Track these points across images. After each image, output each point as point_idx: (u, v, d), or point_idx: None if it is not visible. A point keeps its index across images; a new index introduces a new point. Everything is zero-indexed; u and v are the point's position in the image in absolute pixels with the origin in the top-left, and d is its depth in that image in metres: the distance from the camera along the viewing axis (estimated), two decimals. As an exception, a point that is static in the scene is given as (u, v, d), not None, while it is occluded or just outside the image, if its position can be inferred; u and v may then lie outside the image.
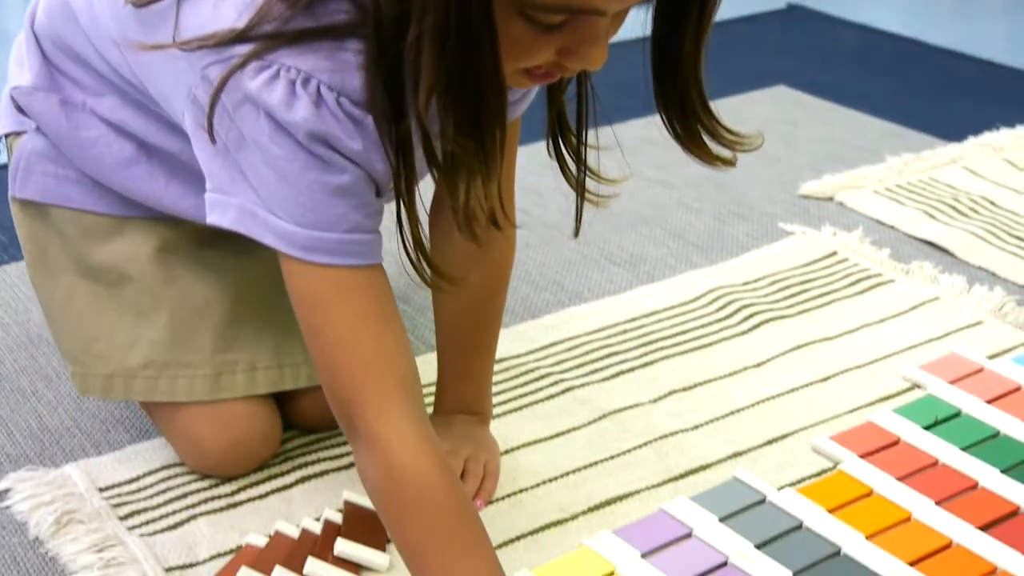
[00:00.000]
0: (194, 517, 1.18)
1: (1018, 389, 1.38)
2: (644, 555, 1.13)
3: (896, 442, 1.30)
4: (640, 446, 1.30)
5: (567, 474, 1.25)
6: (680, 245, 1.74)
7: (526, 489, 1.23)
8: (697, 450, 1.29)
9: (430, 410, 1.28)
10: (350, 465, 1.24)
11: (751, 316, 1.54)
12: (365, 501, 1.15)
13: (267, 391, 1.21)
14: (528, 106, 1.15)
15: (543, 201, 1.83)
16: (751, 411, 1.36)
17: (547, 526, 1.18)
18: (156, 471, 1.24)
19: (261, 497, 1.21)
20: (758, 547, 1.14)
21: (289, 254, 0.96)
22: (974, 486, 1.23)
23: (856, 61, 2.57)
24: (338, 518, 1.17)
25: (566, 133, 1.07)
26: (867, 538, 1.16)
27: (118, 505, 1.19)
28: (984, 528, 1.17)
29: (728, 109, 1.05)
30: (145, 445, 1.27)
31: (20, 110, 1.18)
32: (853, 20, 2.80)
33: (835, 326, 1.53)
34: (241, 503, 1.20)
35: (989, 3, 3.04)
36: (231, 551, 1.14)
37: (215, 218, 0.99)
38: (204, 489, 1.21)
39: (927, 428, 1.31)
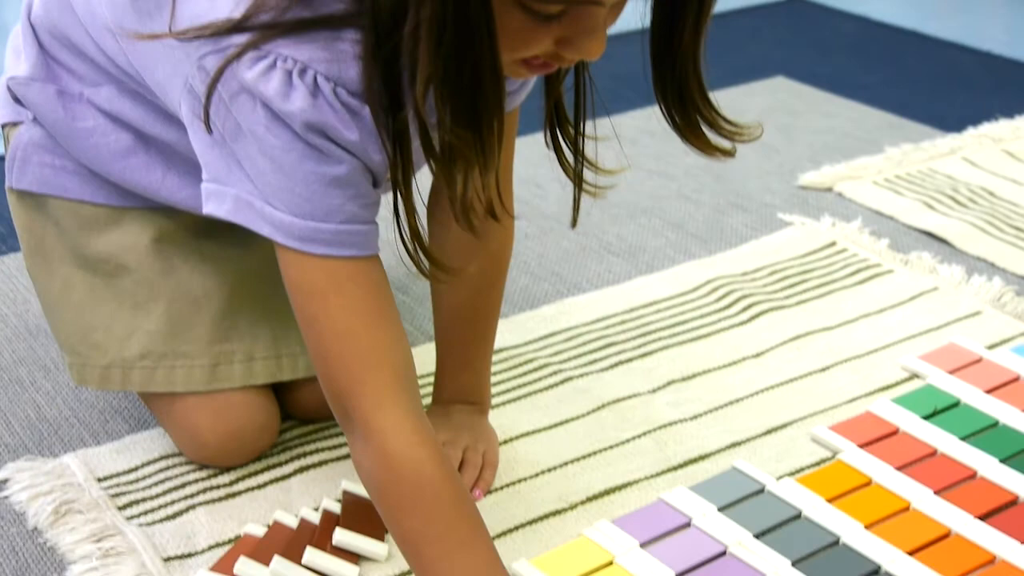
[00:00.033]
0: (193, 507, 1.18)
1: (1017, 379, 1.38)
2: (643, 545, 1.13)
3: (895, 432, 1.30)
4: (639, 436, 1.30)
5: (566, 464, 1.25)
6: (679, 236, 1.74)
7: (525, 479, 1.23)
8: (696, 440, 1.29)
9: (429, 400, 1.29)
10: (349, 455, 1.24)
11: (750, 306, 1.54)
12: (364, 491, 1.15)
13: (265, 381, 1.21)
14: (526, 96, 1.15)
15: (542, 192, 1.83)
16: (750, 401, 1.36)
17: (546, 516, 1.18)
18: (154, 461, 1.24)
19: (260, 487, 1.21)
20: (757, 536, 1.14)
21: (285, 244, 0.96)
22: (973, 476, 1.23)
23: (855, 52, 2.57)
24: (337, 508, 1.17)
25: (564, 124, 1.07)
26: (866, 527, 1.16)
27: (116, 495, 1.19)
28: (983, 517, 1.17)
29: (727, 100, 1.05)
30: (143, 435, 1.27)
31: (17, 100, 1.18)
32: (852, 11, 2.80)
33: (834, 316, 1.53)
34: (239, 493, 1.20)
35: (989, -6, 3.04)
36: (230, 541, 1.14)
37: (211, 208, 0.99)
38: (203, 479, 1.21)
39: (926, 418, 1.31)
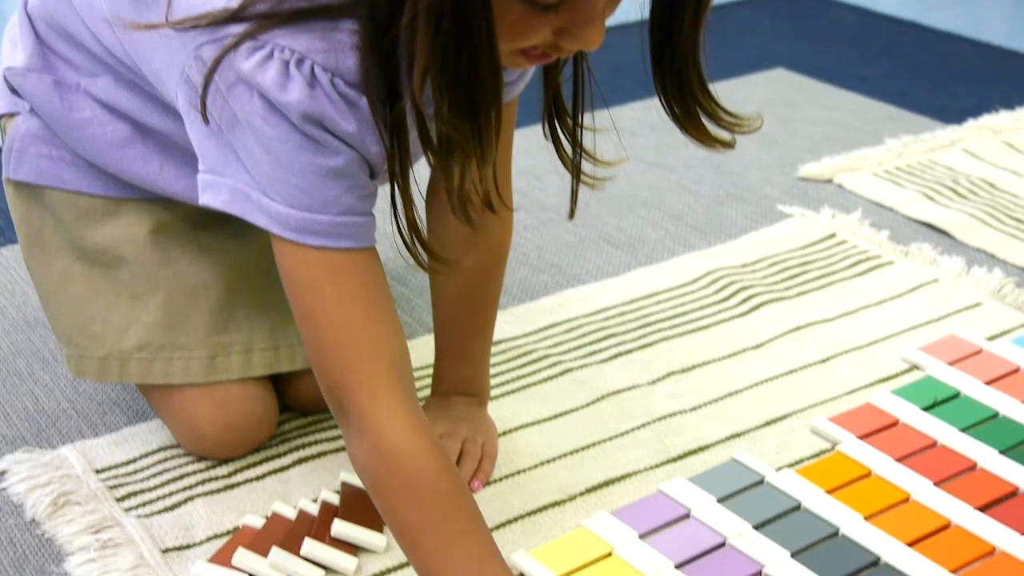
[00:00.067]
0: (191, 498, 1.18)
1: (1017, 370, 1.38)
2: (642, 536, 1.13)
3: (895, 423, 1.29)
4: (638, 427, 1.30)
5: (565, 455, 1.25)
6: (679, 227, 1.74)
7: (524, 470, 1.23)
8: (695, 431, 1.29)
9: (427, 392, 1.28)
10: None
11: (750, 298, 1.54)
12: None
13: (263, 373, 1.21)
14: (525, 87, 1.14)
15: (541, 183, 1.82)
16: (749, 392, 1.36)
17: (545, 507, 1.18)
18: (153, 453, 1.24)
19: (258, 479, 1.21)
20: (756, 528, 1.14)
21: (282, 236, 0.95)
22: (973, 467, 1.23)
23: (855, 44, 2.56)
24: (335, 499, 1.16)
25: (562, 114, 1.07)
26: (865, 519, 1.16)
27: (115, 487, 1.19)
28: (983, 509, 1.17)
29: (727, 92, 1.05)
30: (142, 427, 1.27)
31: (13, 91, 1.18)
32: (852, 2, 2.80)
33: (834, 308, 1.53)
34: (238, 484, 1.20)
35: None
36: (228, 532, 1.14)
37: (208, 199, 0.98)
38: (201, 471, 1.21)
39: (926, 409, 1.31)
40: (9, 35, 1.19)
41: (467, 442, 1.22)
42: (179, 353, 1.18)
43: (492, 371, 1.31)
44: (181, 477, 1.20)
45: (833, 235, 1.70)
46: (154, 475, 1.21)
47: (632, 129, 1.99)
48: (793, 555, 1.11)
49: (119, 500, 1.17)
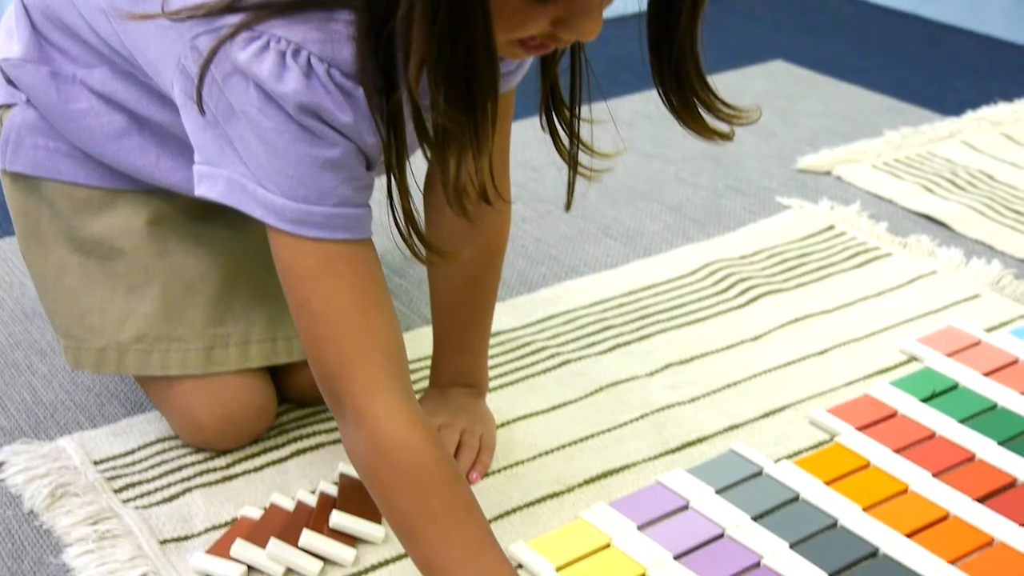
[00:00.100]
0: (189, 490, 1.18)
1: (1015, 362, 1.38)
2: (640, 527, 1.13)
3: (893, 414, 1.29)
4: (637, 419, 1.30)
5: (563, 447, 1.25)
6: (677, 219, 1.73)
7: (522, 462, 1.23)
8: (694, 423, 1.29)
9: (425, 384, 1.28)
10: (345, 439, 1.24)
11: (748, 290, 1.53)
12: (360, 474, 1.15)
13: (261, 364, 1.20)
14: (522, 78, 1.14)
15: (539, 175, 1.82)
16: (748, 384, 1.36)
17: (543, 498, 1.18)
18: (151, 444, 1.23)
19: (256, 470, 1.20)
20: (755, 519, 1.14)
21: (277, 227, 0.95)
22: (971, 458, 1.23)
23: (854, 35, 2.56)
24: (333, 490, 1.16)
25: (559, 106, 1.07)
26: (864, 510, 1.16)
27: (113, 478, 1.19)
28: (981, 500, 1.17)
29: (725, 84, 1.05)
30: (140, 418, 1.27)
31: (10, 82, 1.18)
32: (852, -6, 2.80)
33: (832, 299, 1.53)
34: (236, 476, 1.20)
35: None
36: (226, 524, 1.14)
37: (204, 190, 0.98)
38: (199, 462, 1.21)
39: (924, 401, 1.31)
40: (5, 26, 1.19)
41: (465, 433, 1.22)
42: (176, 345, 1.18)
43: (490, 363, 1.31)
44: (179, 468, 1.20)
45: (832, 227, 1.70)
46: (152, 466, 1.21)
47: (630, 121, 1.99)
48: (792, 546, 1.11)
49: (117, 491, 1.17)
